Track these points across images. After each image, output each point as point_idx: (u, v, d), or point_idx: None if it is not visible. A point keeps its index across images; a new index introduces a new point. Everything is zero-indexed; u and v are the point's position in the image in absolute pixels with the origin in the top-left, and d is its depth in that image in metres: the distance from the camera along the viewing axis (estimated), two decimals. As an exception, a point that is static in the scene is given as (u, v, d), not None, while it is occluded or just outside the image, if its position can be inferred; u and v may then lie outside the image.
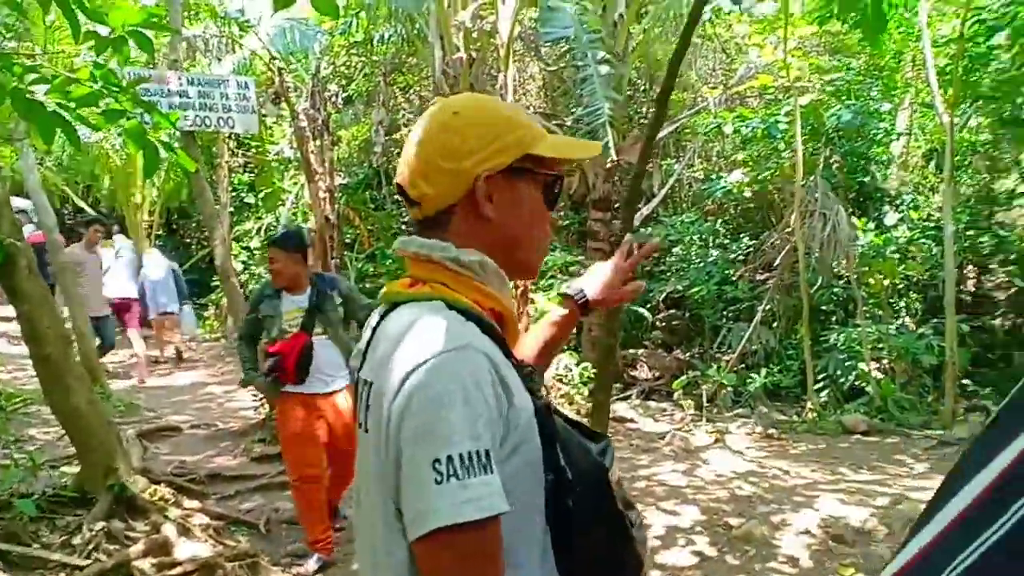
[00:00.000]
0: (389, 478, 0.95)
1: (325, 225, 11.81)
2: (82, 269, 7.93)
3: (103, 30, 2.81)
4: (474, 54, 9.74)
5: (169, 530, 3.86)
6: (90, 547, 3.73)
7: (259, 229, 12.72)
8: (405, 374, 0.94)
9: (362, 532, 1.12)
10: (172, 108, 6.25)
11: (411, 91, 14.51)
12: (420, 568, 0.93)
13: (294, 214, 12.88)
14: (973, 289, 9.45)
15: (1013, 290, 9.21)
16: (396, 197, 13.20)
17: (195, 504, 4.26)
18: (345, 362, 3.79)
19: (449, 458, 0.88)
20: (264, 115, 11.28)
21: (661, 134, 10.68)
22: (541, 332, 1.45)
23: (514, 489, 0.93)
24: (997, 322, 9.27)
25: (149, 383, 8.61)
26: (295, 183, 13.57)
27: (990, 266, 9.44)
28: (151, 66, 8.19)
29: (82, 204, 12.62)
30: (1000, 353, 8.84)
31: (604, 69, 7.31)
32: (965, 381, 7.81)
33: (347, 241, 12.56)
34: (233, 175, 13.18)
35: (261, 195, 13.49)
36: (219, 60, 12.28)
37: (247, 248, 12.81)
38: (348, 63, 13.57)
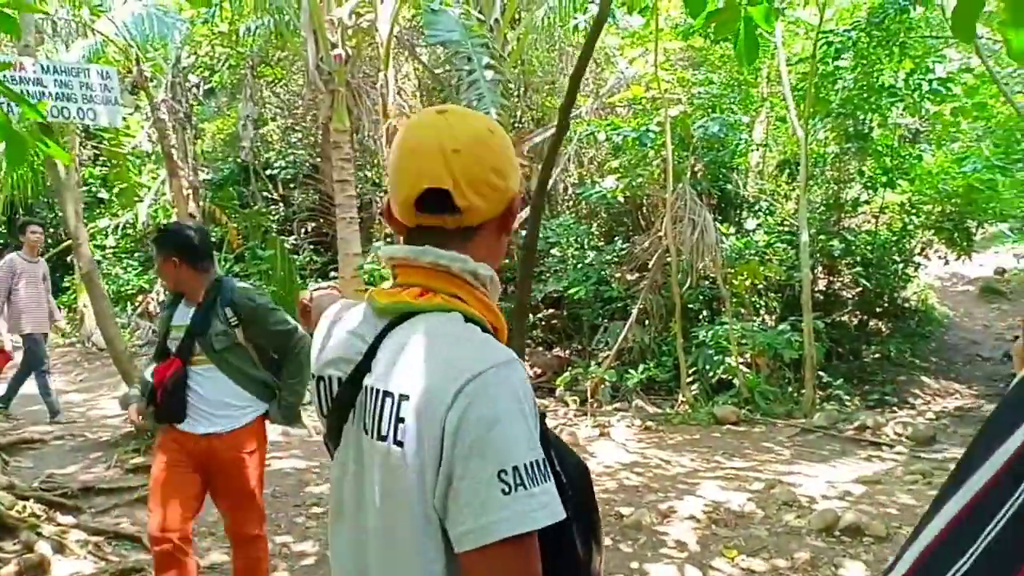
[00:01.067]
0: (436, 492, 0.96)
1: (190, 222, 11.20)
2: (21, 281, 6.95)
3: None
4: (350, 51, 9.57)
5: (44, 548, 3.55)
6: (-53, 572, 3.35)
7: (115, 227, 11.87)
8: (459, 388, 0.94)
9: (358, 551, 1.09)
10: (27, 97, 5.72)
11: (278, 84, 14.03)
12: None
13: (155, 211, 12.11)
14: (824, 289, 10.26)
15: (859, 290, 10.10)
16: (265, 194, 12.78)
17: (70, 520, 3.91)
18: (253, 395, 3.04)
19: (515, 468, 0.91)
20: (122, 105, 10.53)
21: (536, 140, 10.95)
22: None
23: None
24: (846, 319, 10.12)
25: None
26: (154, 178, 12.78)
27: (839, 268, 10.29)
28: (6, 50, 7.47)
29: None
30: (850, 347, 9.67)
31: (490, 74, 7.39)
32: (820, 373, 8.48)
33: (212, 239, 11.94)
34: (83, 168, 12.21)
35: (116, 191, 12.59)
36: (67, 46, 11.36)
37: (100, 247, 11.92)
38: (211, 54, 12.92)
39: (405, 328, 1.05)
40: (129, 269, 12.44)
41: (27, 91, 5.99)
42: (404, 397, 0.99)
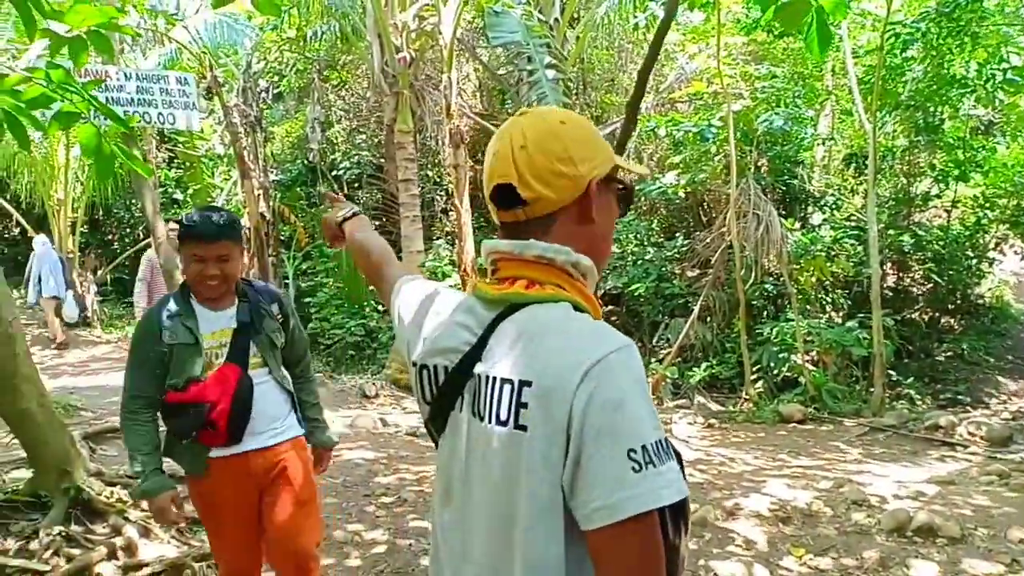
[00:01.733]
0: (554, 474, 1.00)
1: (261, 222, 11.59)
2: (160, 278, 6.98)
3: (59, 28, 2.71)
4: (414, 54, 9.76)
5: (131, 532, 3.74)
6: (49, 552, 3.59)
7: (189, 228, 12.37)
8: (585, 372, 0.98)
9: (465, 533, 1.15)
10: (111, 104, 6.03)
11: (343, 88, 14.36)
12: (606, 556, 0.98)
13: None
14: (894, 285, 10.02)
15: (930, 286, 9.82)
16: (331, 193, 13.13)
17: (155, 506, 4.12)
18: (290, 408, 2.69)
19: (644, 448, 0.95)
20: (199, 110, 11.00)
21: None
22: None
23: None
24: (917, 316, 9.86)
25: (81, 384, 8.29)
26: (226, 179, 13.25)
27: (909, 264, 10.03)
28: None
29: (0, 201, 11.98)
30: (920, 345, 9.42)
31: (551, 73, 7.47)
32: (890, 371, 8.30)
33: (282, 238, 12.36)
34: (159, 170, 12.74)
35: (190, 191, 13.10)
36: (144, 54, 11.87)
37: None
38: (280, 59, 13.32)
39: (517, 318, 1.10)
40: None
41: (111, 98, 6.33)
42: (525, 383, 1.03)
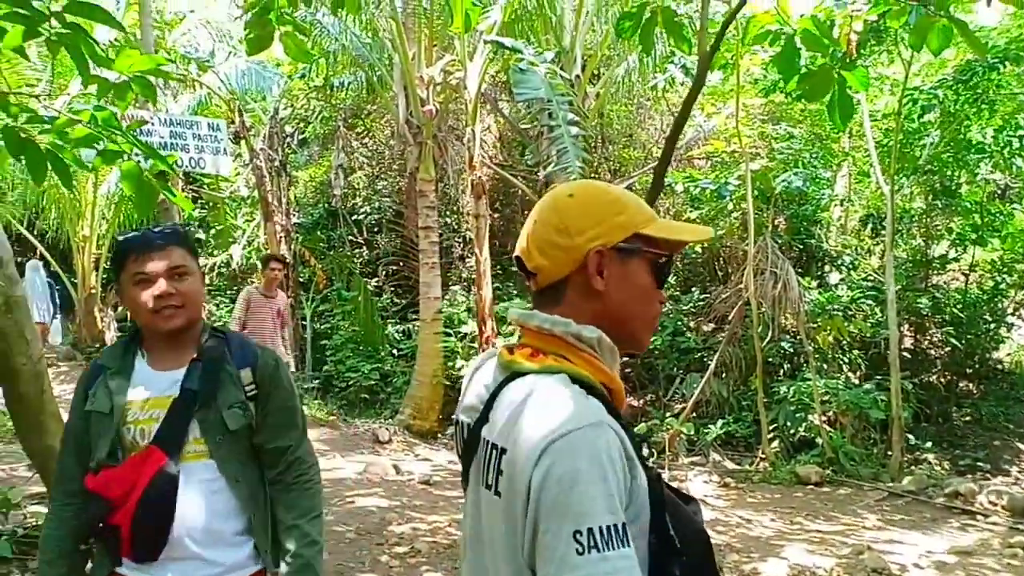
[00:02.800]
0: (525, 544, 1.01)
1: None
2: (255, 316, 6.83)
3: (109, 74, 2.83)
4: (438, 106, 9.99)
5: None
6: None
7: (210, 267, 12.52)
8: (544, 447, 0.99)
9: None
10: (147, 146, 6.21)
11: (367, 135, 14.65)
12: None
13: (248, 252, 12.74)
14: (912, 347, 9.97)
15: (948, 349, 9.77)
16: (351, 238, 13.32)
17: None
18: (248, 525, 1.83)
19: (590, 531, 0.93)
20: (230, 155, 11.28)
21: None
22: None
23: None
24: (935, 379, 9.79)
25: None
26: (248, 221, 13.45)
27: (927, 326, 10.01)
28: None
29: (28, 236, 12.19)
30: (938, 409, 9.33)
31: (574, 130, 7.61)
32: (908, 435, 8.22)
33: (301, 280, 12.48)
34: (183, 211, 12.96)
35: (213, 232, 13.30)
36: (175, 98, 12.18)
37: (198, 285, 12.60)
38: (307, 106, 13.63)
39: (515, 385, 1.11)
40: (221, 306, 13.04)
41: (148, 142, 6.51)
42: (503, 451, 1.07)
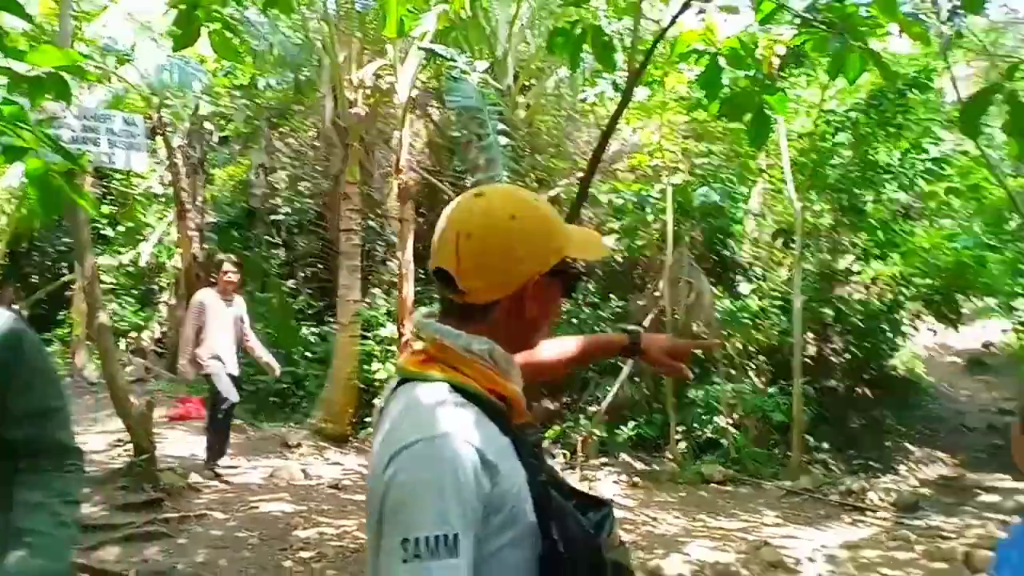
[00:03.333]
0: (374, 544, 1.05)
1: (193, 263, 11.45)
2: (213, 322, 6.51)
3: (20, 67, 2.74)
4: (367, 109, 9.97)
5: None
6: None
7: (117, 266, 12.13)
8: (392, 456, 1.02)
9: None
10: (56, 139, 5.98)
11: (291, 136, 14.44)
12: None
13: (158, 251, 12.38)
14: (815, 355, 10.45)
15: (848, 357, 10.30)
16: (268, 238, 13.08)
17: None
18: None
19: (416, 540, 0.95)
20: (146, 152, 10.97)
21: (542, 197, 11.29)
22: (581, 342, 1.62)
23: (504, 564, 1.04)
24: (834, 385, 10.30)
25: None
26: (160, 218, 13.08)
27: (829, 335, 10.51)
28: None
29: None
30: (837, 413, 9.81)
31: (503, 139, 7.74)
32: (808, 437, 8.63)
33: (213, 281, 12.15)
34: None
35: (121, 229, 12.88)
36: (90, 90, 11.77)
37: (101, 283, 12.15)
38: (230, 104, 13.35)
39: (399, 391, 1.14)
40: (126, 305, 12.60)
41: (56, 136, 6.27)
42: (375, 457, 1.10)
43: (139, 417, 5.90)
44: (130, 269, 12.69)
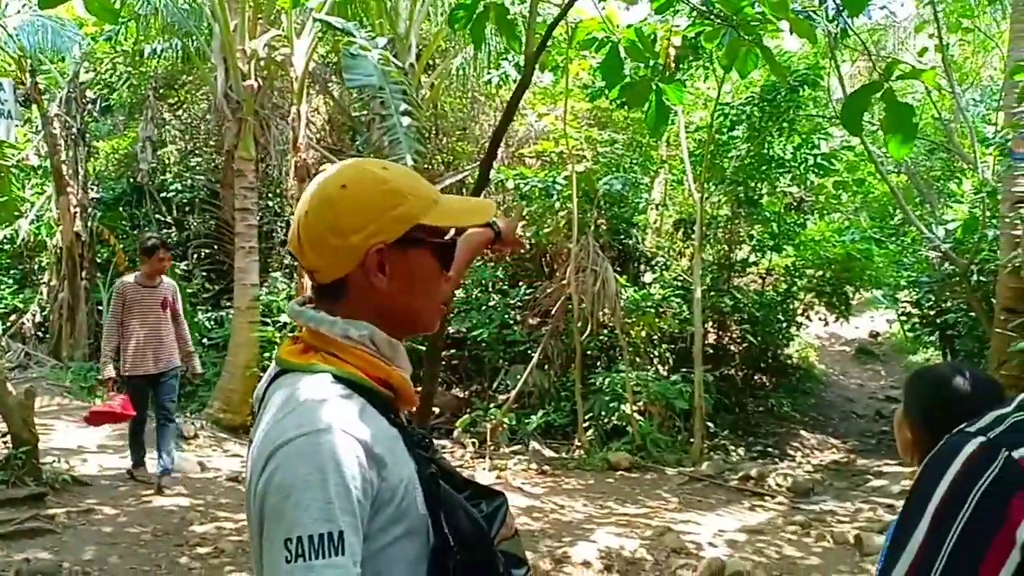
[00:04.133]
0: (257, 547, 0.98)
1: (75, 242, 10.68)
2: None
3: None
4: (262, 82, 9.46)
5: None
6: None
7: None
8: (270, 452, 0.96)
9: None
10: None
11: (181, 108, 13.64)
12: None
13: (38, 228, 11.45)
14: (715, 343, 10.73)
15: (745, 345, 10.63)
16: (158, 217, 12.34)
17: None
18: None
19: (299, 539, 0.90)
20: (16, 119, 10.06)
21: (446, 183, 11.08)
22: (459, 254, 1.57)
23: (395, 558, 0.99)
24: (733, 372, 10.62)
25: None
26: (39, 193, 12.12)
27: (728, 324, 10.82)
28: None
29: None
30: (736, 400, 10.13)
31: (407, 120, 7.44)
32: (709, 424, 8.85)
33: (99, 261, 11.39)
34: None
35: (-7, 205, 11.83)
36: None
37: (-29, 265, 11.16)
38: (112, 72, 12.45)
39: (280, 382, 1.07)
40: (3, 287, 11.64)
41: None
42: (252, 452, 1.03)
43: (16, 406, 5.55)
44: (6, 247, 11.70)
